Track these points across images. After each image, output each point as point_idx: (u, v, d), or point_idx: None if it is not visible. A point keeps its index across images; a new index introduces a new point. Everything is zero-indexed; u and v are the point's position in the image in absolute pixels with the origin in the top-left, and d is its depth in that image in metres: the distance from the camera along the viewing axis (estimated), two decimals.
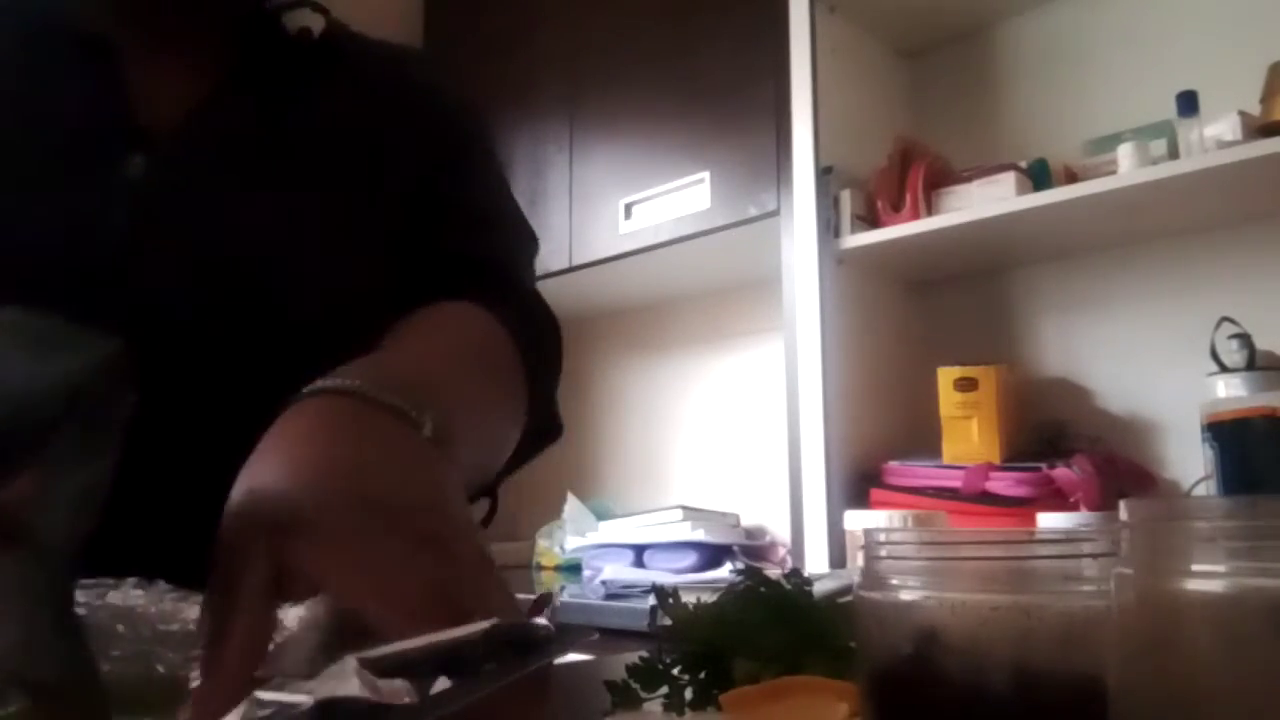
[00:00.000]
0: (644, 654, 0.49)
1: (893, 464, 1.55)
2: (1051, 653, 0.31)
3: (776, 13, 1.67)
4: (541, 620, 0.31)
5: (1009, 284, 1.72)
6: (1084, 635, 0.30)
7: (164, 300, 0.56)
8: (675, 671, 0.48)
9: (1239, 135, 1.28)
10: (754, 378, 2.08)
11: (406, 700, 0.26)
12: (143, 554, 0.41)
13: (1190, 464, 1.39)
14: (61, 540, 0.28)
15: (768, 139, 1.70)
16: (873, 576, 0.35)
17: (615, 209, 1.94)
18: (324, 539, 0.33)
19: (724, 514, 1.85)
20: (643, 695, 0.47)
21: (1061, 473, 1.39)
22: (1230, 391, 1.25)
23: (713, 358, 2.19)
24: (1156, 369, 1.53)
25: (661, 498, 2.07)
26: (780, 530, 1.85)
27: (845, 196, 1.59)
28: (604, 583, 1.62)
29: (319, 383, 0.40)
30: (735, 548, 1.75)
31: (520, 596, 0.36)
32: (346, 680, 0.26)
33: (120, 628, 0.35)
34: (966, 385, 1.51)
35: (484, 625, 0.29)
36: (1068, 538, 0.33)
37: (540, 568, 2.12)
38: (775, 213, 1.67)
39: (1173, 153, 1.36)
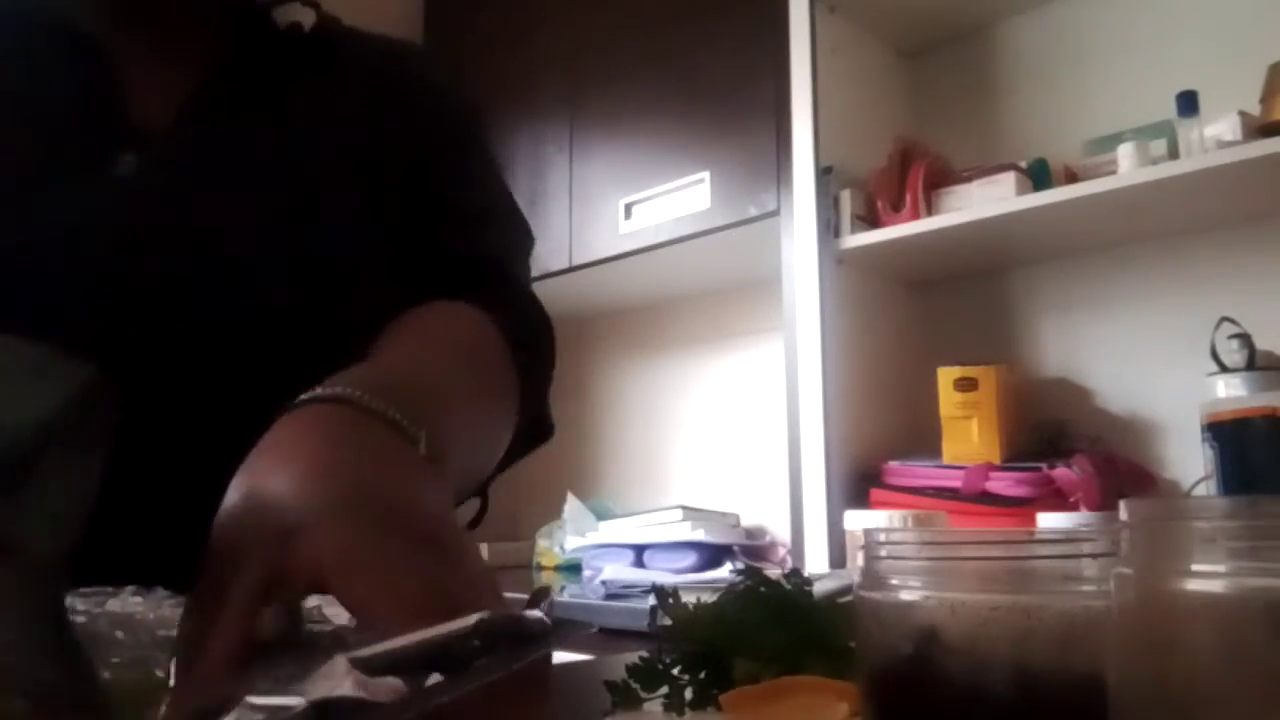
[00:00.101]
0: (644, 654, 0.49)
1: (893, 464, 1.55)
2: (1051, 653, 0.31)
3: (776, 13, 1.67)
4: (535, 613, 0.31)
5: (1009, 284, 1.72)
6: (1084, 635, 0.30)
7: (157, 299, 0.55)
8: (675, 671, 0.48)
9: (1239, 135, 1.28)
10: (754, 378, 2.08)
11: (399, 697, 0.26)
12: (140, 561, 0.41)
13: (1190, 464, 1.39)
14: (49, 550, 0.28)
15: (768, 139, 1.70)
16: (873, 576, 0.35)
17: (615, 209, 1.94)
18: (327, 541, 0.33)
19: (724, 514, 1.85)
20: (643, 695, 0.47)
21: (1061, 473, 1.39)
22: (1230, 391, 1.25)
23: (713, 358, 2.19)
24: (1156, 369, 1.53)
25: (661, 498, 2.07)
26: (780, 530, 1.85)
27: (845, 196, 1.59)
28: (604, 583, 1.62)
29: (316, 390, 0.40)
30: (735, 548, 1.75)
31: (519, 597, 0.36)
32: (339, 680, 0.26)
33: (120, 634, 0.35)
34: (966, 385, 1.51)
35: (473, 619, 0.28)
36: (1068, 538, 0.33)
37: (540, 568, 2.12)
38: (775, 213, 1.67)
39: (1173, 153, 1.36)
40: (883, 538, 0.36)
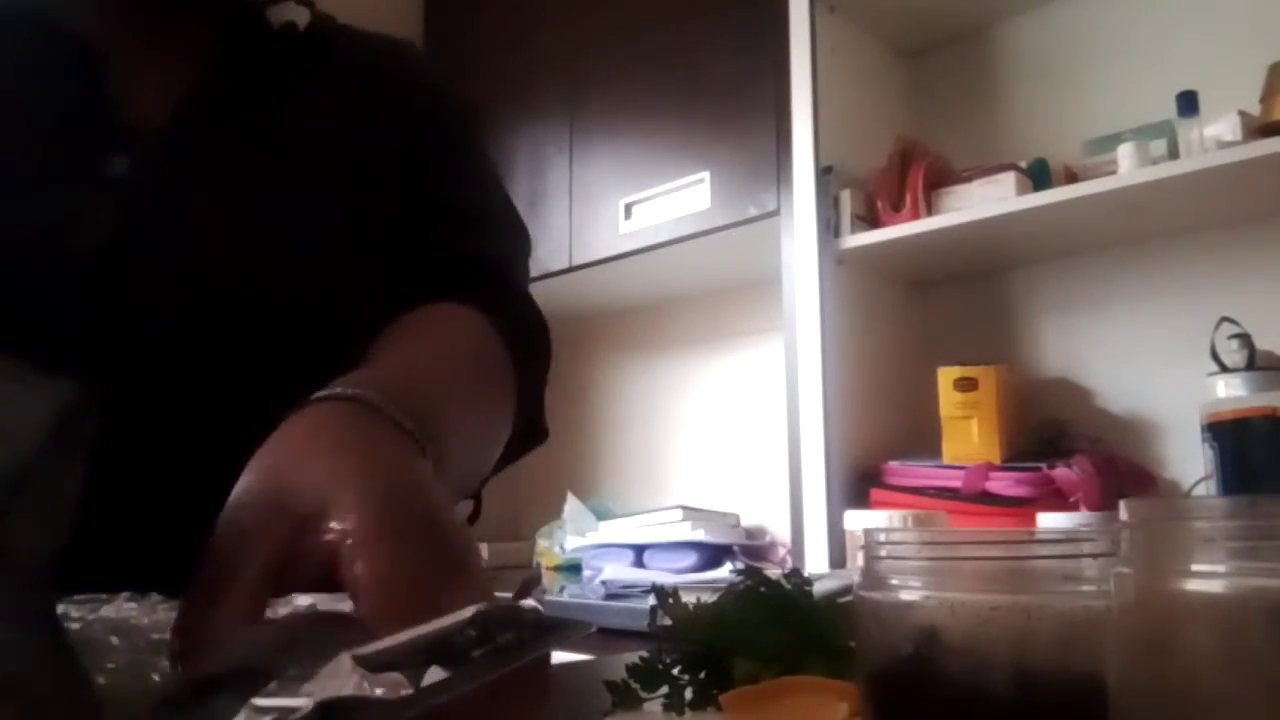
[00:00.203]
0: (644, 654, 0.49)
1: (893, 464, 1.55)
2: (1051, 653, 0.31)
3: (776, 13, 1.67)
4: (530, 602, 0.31)
5: (1009, 284, 1.72)
6: (1084, 635, 0.30)
7: (149, 300, 0.55)
8: (675, 671, 0.48)
9: (1239, 135, 1.28)
10: (754, 378, 2.08)
11: (403, 693, 0.26)
12: (135, 566, 0.41)
13: (1190, 464, 1.39)
14: (36, 556, 0.28)
15: (768, 139, 1.70)
16: (873, 576, 0.35)
17: (615, 209, 1.94)
18: (349, 529, 0.34)
19: (724, 514, 1.85)
20: (643, 695, 0.47)
21: (1061, 473, 1.39)
22: (1230, 391, 1.25)
23: (713, 358, 2.19)
24: (1156, 369, 1.53)
25: (661, 498, 2.07)
26: (780, 530, 1.85)
27: (845, 196, 1.59)
28: (604, 583, 1.62)
29: (326, 390, 0.42)
30: (735, 548, 1.75)
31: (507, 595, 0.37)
32: (343, 679, 0.26)
33: (114, 640, 0.35)
34: (966, 385, 1.51)
35: (469, 611, 0.29)
36: (1068, 538, 0.33)
37: (539, 566, 2.12)
38: (775, 213, 1.67)
39: (1173, 153, 1.36)
40: (883, 538, 0.36)
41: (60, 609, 0.32)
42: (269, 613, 0.33)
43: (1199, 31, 1.53)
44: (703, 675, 0.48)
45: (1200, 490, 1.29)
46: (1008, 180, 1.46)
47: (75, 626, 0.34)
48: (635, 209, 1.91)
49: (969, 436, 1.50)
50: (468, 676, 0.27)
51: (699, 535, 1.73)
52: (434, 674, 0.27)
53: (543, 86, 2.16)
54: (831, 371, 1.55)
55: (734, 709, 0.44)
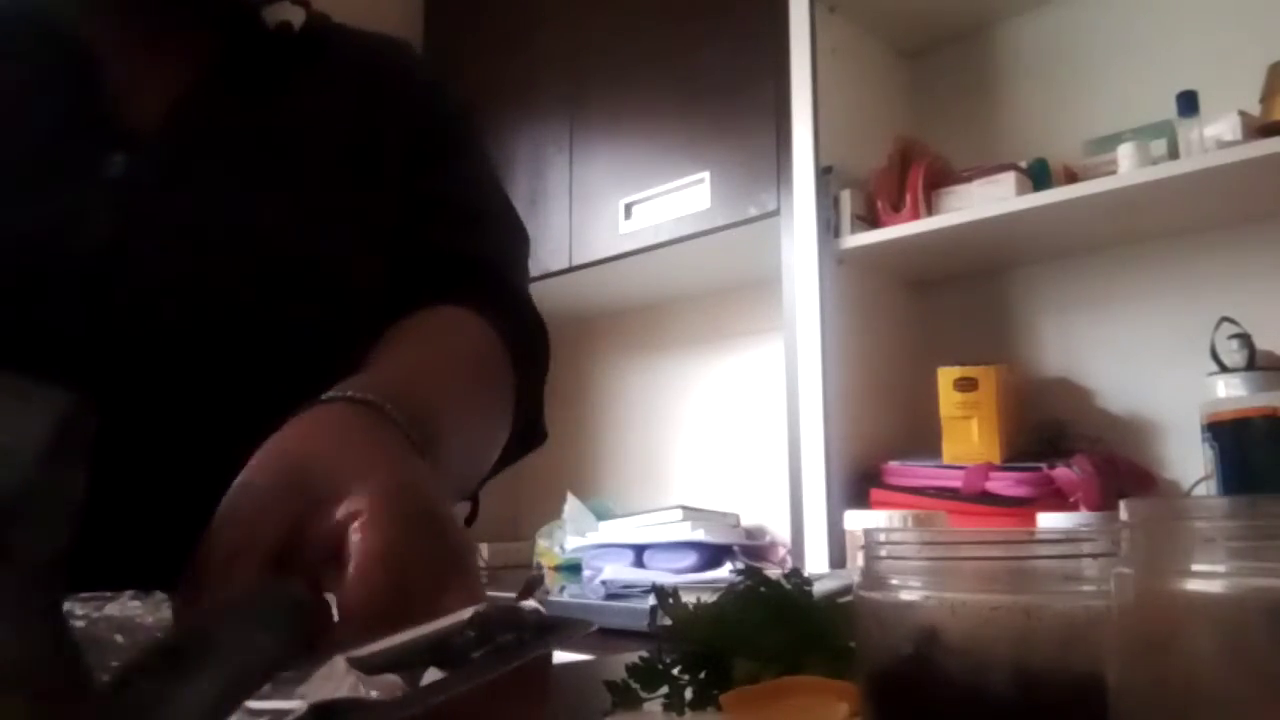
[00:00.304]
0: (644, 654, 0.49)
1: (893, 464, 1.55)
2: (1051, 653, 0.31)
3: (776, 13, 1.67)
4: (531, 603, 0.31)
5: (1009, 284, 1.72)
6: (1084, 635, 0.30)
7: (148, 300, 0.55)
8: (675, 671, 0.48)
9: (1239, 135, 1.28)
10: (754, 378, 2.08)
11: (399, 694, 0.26)
12: (138, 565, 0.41)
13: (1190, 464, 1.39)
14: (42, 556, 0.28)
15: (768, 139, 1.70)
16: (873, 576, 0.35)
17: (615, 209, 1.94)
18: (358, 511, 0.34)
19: (724, 514, 1.85)
20: (643, 695, 0.47)
21: (1061, 473, 1.39)
22: (1230, 391, 1.25)
23: (713, 358, 2.19)
24: (1156, 369, 1.53)
25: (661, 498, 2.07)
26: (780, 530, 1.85)
27: (845, 196, 1.59)
28: (604, 583, 1.62)
29: (332, 392, 0.43)
30: (735, 548, 1.75)
31: (508, 596, 0.37)
32: (338, 681, 0.26)
33: (119, 638, 0.36)
34: (966, 385, 1.51)
35: (467, 612, 0.29)
36: (1068, 538, 0.33)
37: (541, 568, 2.12)
38: (775, 213, 1.67)
39: (1173, 153, 1.36)
40: (883, 538, 0.36)
41: (65, 607, 0.32)
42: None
43: (1199, 31, 1.53)
44: (703, 675, 0.48)
45: (1200, 490, 1.29)
46: (1008, 180, 1.46)
47: (80, 624, 0.34)
48: (635, 209, 1.91)
49: (969, 436, 1.50)
50: (465, 677, 0.27)
51: (699, 535, 1.73)
52: (432, 675, 0.27)
53: (543, 86, 2.16)
54: (831, 371, 1.55)
55: (734, 709, 0.44)
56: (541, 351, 0.69)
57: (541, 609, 0.31)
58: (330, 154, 0.65)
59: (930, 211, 1.54)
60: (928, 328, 1.77)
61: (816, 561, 1.50)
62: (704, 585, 1.51)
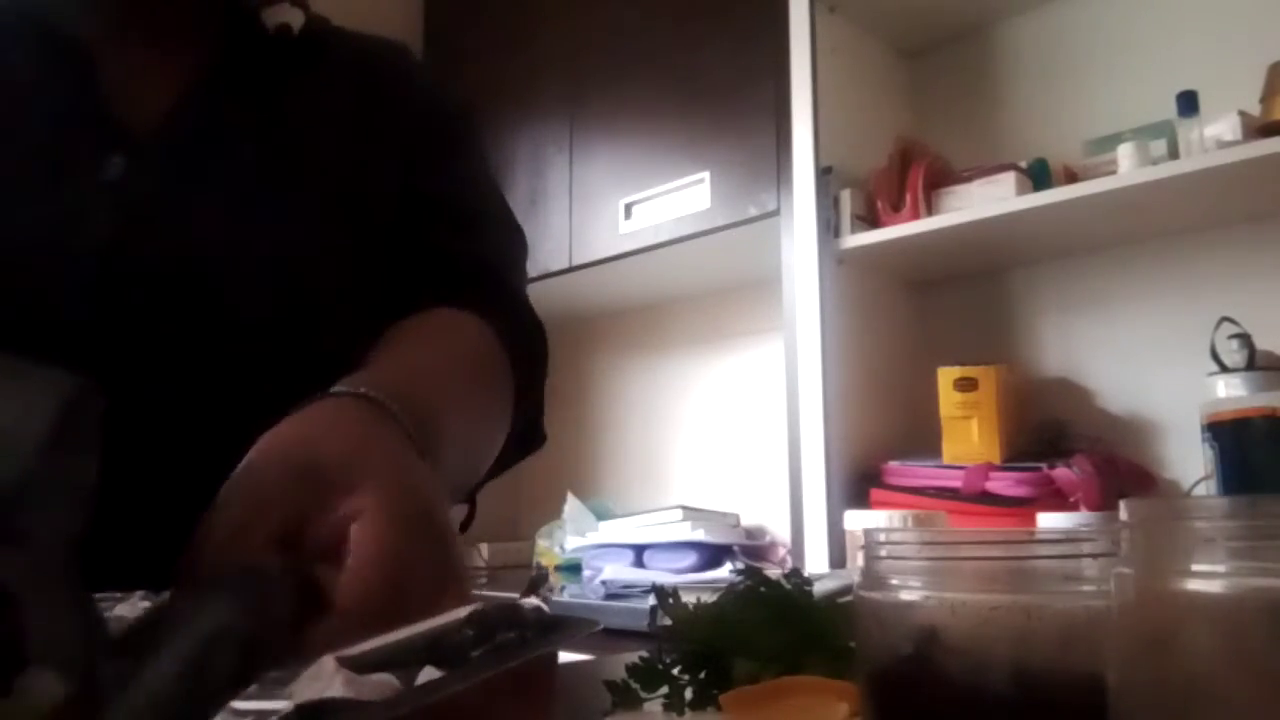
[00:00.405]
0: (644, 654, 0.49)
1: (893, 464, 1.55)
2: (1051, 653, 0.31)
3: (776, 13, 1.67)
4: (532, 600, 0.31)
5: (1009, 284, 1.72)
6: (1084, 635, 0.30)
7: (145, 302, 0.55)
8: (675, 671, 0.48)
9: (1239, 135, 1.28)
10: (754, 378, 2.08)
11: (389, 695, 0.25)
12: (147, 565, 0.41)
13: (1190, 464, 1.39)
14: (59, 540, 0.28)
15: (768, 139, 1.70)
16: (873, 576, 0.35)
17: (615, 209, 1.94)
18: (363, 513, 0.35)
19: (724, 514, 1.85)
20: (643, 695, 0.47)
21: (1061, 473, 1.39)
22: (1230, 391, 1.25)
23: (713, 358, 2.19)
24: (1156, 369, 1.53)
25: (661, 498, 2.07)
26: (780, 530, 1.85)
27: (845, 196, 1.59)
28: (604, 583, 1.62)
29: (338, 387, 0.43)
30: (735, 548, 1.75)
31: (511, 596, 0.37)
32: (327, 681, 0.26)
33: None
34: (966, 385, 1.51)
35: (464, 611, 0.28)
36: (1068, 538, 0.33)
37: (540, 568, 2.12)
38: (775, 213, 1.67)
39: (1173, 153, 1.36)
40: (883, 538, 0.35)
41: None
42: None
43: (1199, 31, 1.53)
44: (703, 675, 0.48)
45: (1200, 490, 1.29)
46: (1008, 180, 1.46)
47: None
48: (635, 209, 1.91)
49: (969, 436, 1.50)
50: (460, 677, 0.27)
51: (699, 535, 1.73)
52: (429, 674, 0.27)
53: (543, 86, 2.16)
54: (831, 371, 1.55)
55: (734, 709, 0.44)
56: (540, 353, 0.69)
57: (544, 607, 0.31)
58: (329, 155, 0.65)
59: (930, 211, 1.54)
60: (928, 328, 1.77)
61: (816, 561, 1.50)
62: (704, 585, 1.51)
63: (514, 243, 0.73)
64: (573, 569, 1.95)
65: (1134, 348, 1.57)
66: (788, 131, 1.64)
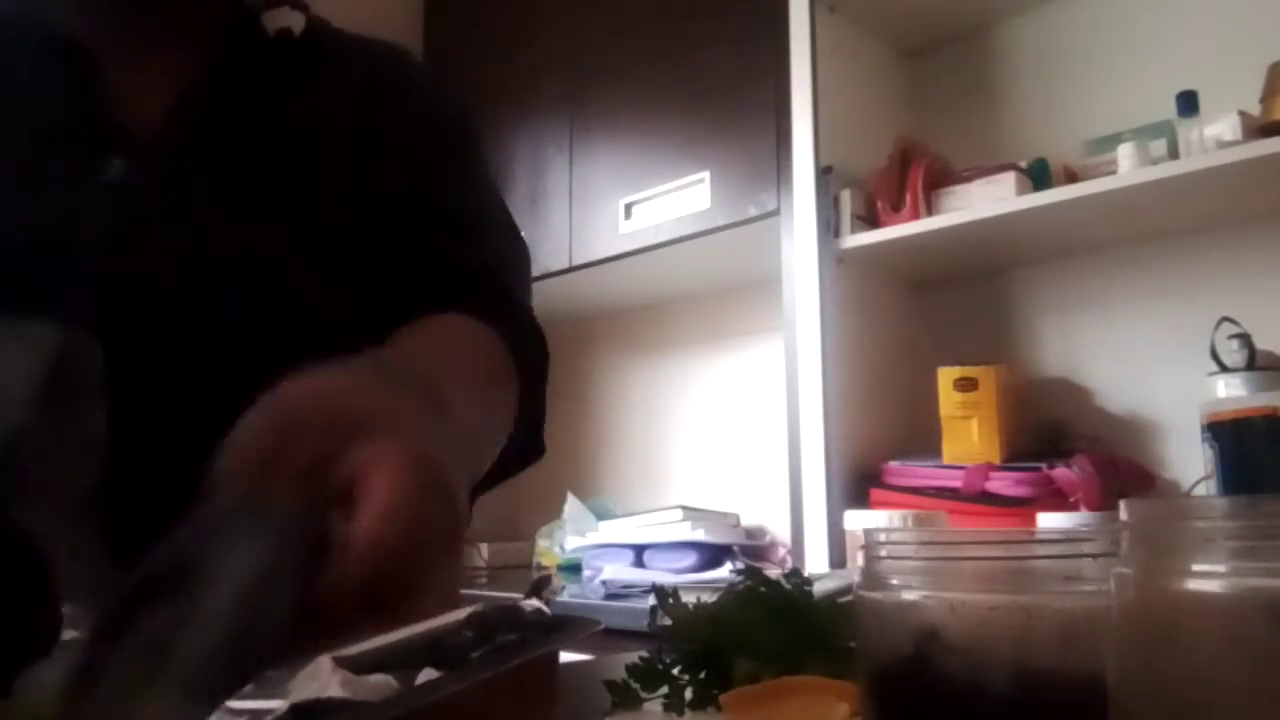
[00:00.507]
0: (644, 654, 0.49)
1: (893, 464, 1.55)
2: (1051, 653, 0.31)
3: (776, 13, 1.67)
4: (534, 602, 0.31)
5: (1009, 284, 1.72)
6: (1084, 635, 0.30)
7: (144, 303, 0.55)
8: (675, 671, 0.48)
9: (1239, 135, 1.28)
10: (754, 378, 2.08)
11: (386, 696, 0.25)
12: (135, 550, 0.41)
13: (1190, 464, 1.39)
14: (74, 490, 0.28)
15: (768, 139, 1.70)
16: (873, 576, 0.35)
17: (615, 209, 1.94)
18: (383, 468, 0.34)
19: (724, 514, 1.85)
20: (643, 695, 0.47)
21: (1061, 473, 1.39)
22: (1230, 391, 1.25)
23: (713, 358, 2.19)
24: (1156, 369, 1.53)
25: (661, 498, 2.07)
26: (780, 530, 1.85)
27: (845, 196, 1.59)
28: (604, 583, 1.62)
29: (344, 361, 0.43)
30: (735, 548, 1.75)
31: (515, 596, 0.36)
32: (324, 681, 0.25)
33: None
34: (966, 385, 1.51)
35: (464, 612, 0.28)
36: (1068, 538, 0.33)
37: (540, 568, 2.12)
38: (775, 213, 1.67)
39: (1173, 153, 1.35)
40: (883, 538, 0.36)
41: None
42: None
43: (1199, 31, 1.53)
44: (703, 675, 0.48)
45: (1200, 490, 1.29)
46: (1008, 180, 1.46)
47: None
48: (635, 209, 1.91)
49: (969, 436, 1.50)
50: (458, 677, 0.27)
51: (699, 535, 1.73)
52: (428, 675, 0.26)
53: (543, 86, 2.16)
54: (831, 371, 1.55)
55: (734, 709, 0.44)
56: (541, 361, 0.69)
57: (545, 608, 0.31)
58: (329, 159, 0.65)
59: (930, 211, 1.54)
60: (928, 328, 1.77)
61: (816, 561, 1.50)
62: (704, 585, 1.51)
63: (514, 247, 0.73)
64: (573, 569, 1.95)
65: (1134, 348, 1.57)
66: (788, 131, 1.64)
